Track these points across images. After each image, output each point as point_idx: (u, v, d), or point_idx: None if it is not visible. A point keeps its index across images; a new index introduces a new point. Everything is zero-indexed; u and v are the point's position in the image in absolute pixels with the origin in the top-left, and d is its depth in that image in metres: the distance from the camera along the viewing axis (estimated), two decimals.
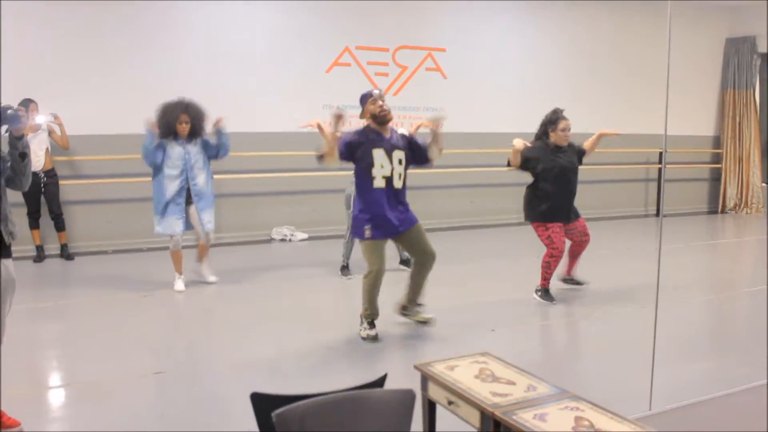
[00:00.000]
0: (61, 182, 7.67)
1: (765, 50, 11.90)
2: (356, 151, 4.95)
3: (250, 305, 6.10)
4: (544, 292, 6.24)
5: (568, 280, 6.65)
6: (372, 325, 5.14)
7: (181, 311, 6.10)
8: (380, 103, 5.00)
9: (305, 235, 9.03)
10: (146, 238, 8.13)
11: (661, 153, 11.53)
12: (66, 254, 7.66)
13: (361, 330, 5.19)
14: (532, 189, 6.24)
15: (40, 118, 7.34)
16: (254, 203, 8.95)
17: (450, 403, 2.76)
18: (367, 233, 4.98)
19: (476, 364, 2.98)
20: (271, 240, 8.92)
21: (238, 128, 8.54)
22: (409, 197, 5.24)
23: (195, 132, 6.31)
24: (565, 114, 6.24)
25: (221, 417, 3.85)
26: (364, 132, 5.01)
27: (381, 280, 5.06)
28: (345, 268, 7.05)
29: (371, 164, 4.94)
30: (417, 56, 9.63)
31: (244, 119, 8.63)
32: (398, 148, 5.03)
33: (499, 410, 2.53)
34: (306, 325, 5.51)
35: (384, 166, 4.96)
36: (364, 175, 4.99)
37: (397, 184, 5.04)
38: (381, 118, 4.99)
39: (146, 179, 7.49)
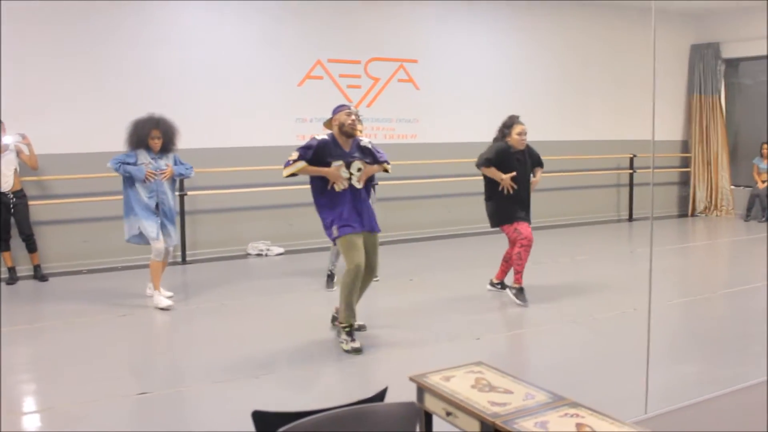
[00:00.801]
0: (31, 203, 7.52)
1: (729, 56, 12.13)
2: (320, 158, 5.09)
3: (232, 321, 6.02)
4: (519, 291, 6.38)
5: (497, 284, 6.77)
6: (352, 336, 5.13)
7: (160, 330, 6.00)
8: (353, 117, 5.20)
9: (281, 250, 8.96)
10: (122, 256, 8.02)
11: (632, 158, 11.67)
12: (39, 275, 7.51)
13: (342, 343, 5.16)
14: (489, 195, 6.47)
15: (7, 138, 7.21)
16: (229, 219, 8.87)
17: (448, 414, 2.74)
18: (335, 232, 5.10)
19: (471, 374, 2.96)
20: (247, 255, 8.84)
21: (212, 143, 8.52)
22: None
23: (166, 147, 6.36)
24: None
25: None
26: (327, 142, 5.17)
27: (360, 276, 5.07)
28: (330, 279, 6.98)
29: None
30: (389, 68, 9.65)
31: (218, 134, 8.58)
32: (356, 158, 5.23)
33: (499, 419, 2.51)
34: (291, 340, 5.45)
35: (343, 173, 5.16)
36: (323, 183, 5.17)
37: (357, 185, 5.22)
38: (348, 130, 5.18)
39: (119, 197, 7.41)
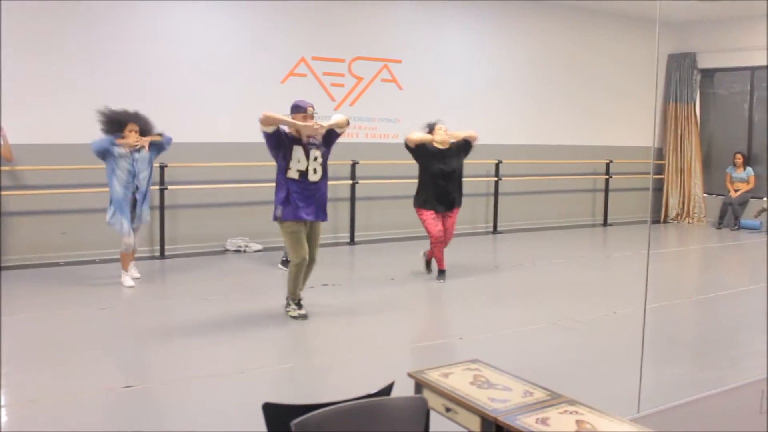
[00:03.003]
0: (5, 193, 7.38)
1: (705, 66, 12.34)
2: (281, 141, 5.61)
3: (213, 316, 5.98)
4: (440, 273, 7.34)
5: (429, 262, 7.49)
6: (299, 304, 5.83)
7: (142, 323, 5.94)
8: (309, 122, 5.62)
9: (260, 246, 8.92)
10: (101, 249, 7.93)
11: (608, 163, 11.82)
12: None
13: (289, 311, 5.82)
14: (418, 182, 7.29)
15: None
16: (208, 214, 8.81)
17: (448, 410, 2.76)
18: (278, 212, 5.65)
19: (469, 371, 2.99)
20: (225, 251, 8.79)
21: (192, 138, 8.45)
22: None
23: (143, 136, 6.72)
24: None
25: (197, 429, 3.77)
26: (286, 132, 5.67)
27: (304, 268, 5.73)
28: (284, 263, 7.59)
29: (290, 158, 5.63)
30: (373, 67, 9.66)
31: (198, 129, 8.52)
32: (315, 147, 5.70)
33: (501, 416, 2.54)
34: (276, 334, 5.45)
35: (300, 161, 5.63)
36: (282, 168, 5.67)
37: (312, 177, 5.68)
38: (307, 135, 5.66)
39: (100, 189, 7.34)
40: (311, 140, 5.68)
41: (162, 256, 8.32)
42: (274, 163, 5.71)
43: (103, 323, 5.76)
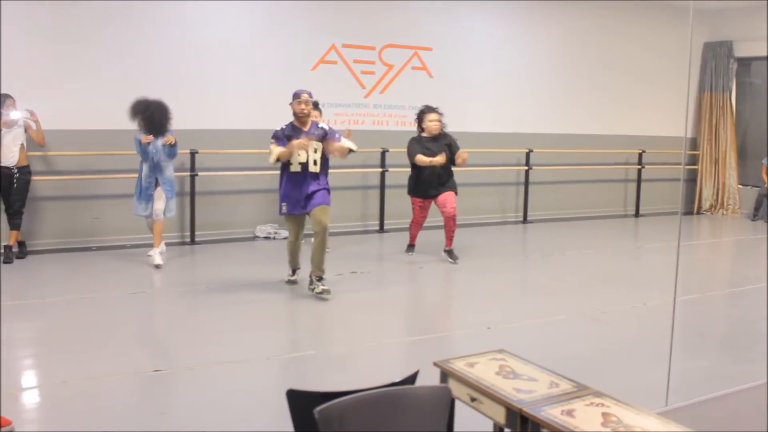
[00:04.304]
0: (38, 178, 7.46)
1: (741, 54, 12.10)
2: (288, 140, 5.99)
3: (240, 302, 6.03)
4: (409, 247, 7.97)
5: (445, 252, 7.65)
6: (294, 272, 6.48)
7: (172, 308, 6.02)
8: (303, 106, 5.99)
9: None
10: (131, 234, 8.02)
11: (640, 153, 11.66)
12: (22, 252, 7.40)
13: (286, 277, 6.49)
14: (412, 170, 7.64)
15: (16, 114, 7.15)
16: (238, 201, 8.87)
17: (473, 399, 2.75)
18: (284, 209, 6.12)
19: (495, 361, 2.98)
20: (255, 237, 8.85)
21: (223, 125, 8.52)
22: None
23: (158, 129, 6.87)
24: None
25: (224, 414, 3.80)
26: (289, 127, 6.06)
27: (298, 245, 6.34)
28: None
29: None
30: (403, 55, 9.62)
31: (229, 116, 8.57)
32: (313, 138, 6.00)
33: (526, 406, 2.52)
34: (304, 323, 5.47)
35: (300, 154, 5.98)
36: (285, 162, 6.04)
37: (312, 168, 6.04)
38: (299, 118, 6.03)
39: (131, 175, 7.41)
40: (310, 132, 6.03)
41: (192, 242, 8.39)
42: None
43: (133, 307, 5.84)
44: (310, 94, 6.08)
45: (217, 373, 4.43)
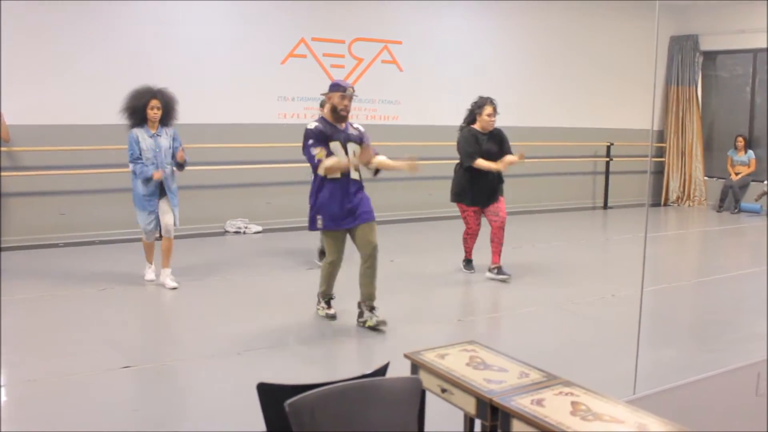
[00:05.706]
0: (2, 174, 7.35)
1: (707, 48, 12.27)
2: (325, 141, 5.01)
3: (213, 298, 6.00)
4: (466, 263, 6.98)
5: (493, 269, 6.71)
6: (329, 304, 5.38)
7: (142, 305, 5.96)
8: (347, 102, 5.06)
9: (259, 228, 8.92)
10: (100, 230, 7.92)
11: (608, 146, 11.78)
12: None
13: (318, 309, 5.41)
14: (462, 173, 6.66)
15: None
16: (207, 195, 8.80)
17: (443, 390, 2.77)
18: (319, 223, 5.09)
19: (465, 353, 2.99)
20: (225, 232, 8.79)
21: (192, 119, 8.40)
22: (367, 190, 5.23)
23: (166, 119, 6.14)
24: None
25: (195, 409, 3.78)
26: (325, 125, 5.06)
27: (338, 269, 5.28)
28: (321, 254, 6.75)
29: (328, 155, 4.98)
30: (373, 48, 9.61)
31: (198, 110, 8.46)
32: (352, 140, 5.11)
33: (496, 396, 2.54)
34: (274, 316, 5.45)
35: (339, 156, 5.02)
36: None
37: (353, 174, 5.11)
38: (342, 115, 5.06)
39: (98, 171, 7.33)
40: (347, 130, 5.13)
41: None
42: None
43: (102, 304, 5.77)
44: (353, 88, 5.15)
45: (186, 369, 4.40)
